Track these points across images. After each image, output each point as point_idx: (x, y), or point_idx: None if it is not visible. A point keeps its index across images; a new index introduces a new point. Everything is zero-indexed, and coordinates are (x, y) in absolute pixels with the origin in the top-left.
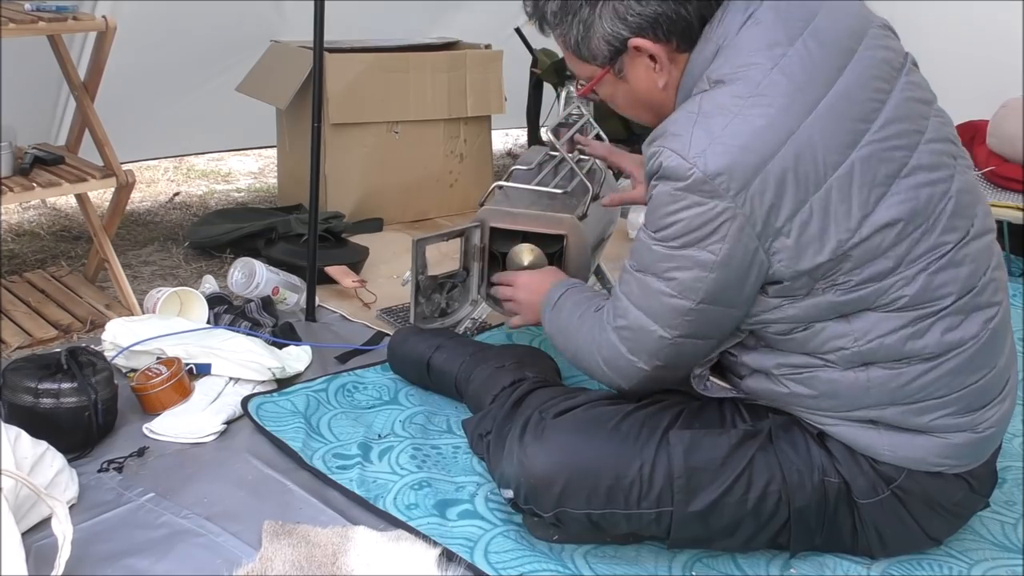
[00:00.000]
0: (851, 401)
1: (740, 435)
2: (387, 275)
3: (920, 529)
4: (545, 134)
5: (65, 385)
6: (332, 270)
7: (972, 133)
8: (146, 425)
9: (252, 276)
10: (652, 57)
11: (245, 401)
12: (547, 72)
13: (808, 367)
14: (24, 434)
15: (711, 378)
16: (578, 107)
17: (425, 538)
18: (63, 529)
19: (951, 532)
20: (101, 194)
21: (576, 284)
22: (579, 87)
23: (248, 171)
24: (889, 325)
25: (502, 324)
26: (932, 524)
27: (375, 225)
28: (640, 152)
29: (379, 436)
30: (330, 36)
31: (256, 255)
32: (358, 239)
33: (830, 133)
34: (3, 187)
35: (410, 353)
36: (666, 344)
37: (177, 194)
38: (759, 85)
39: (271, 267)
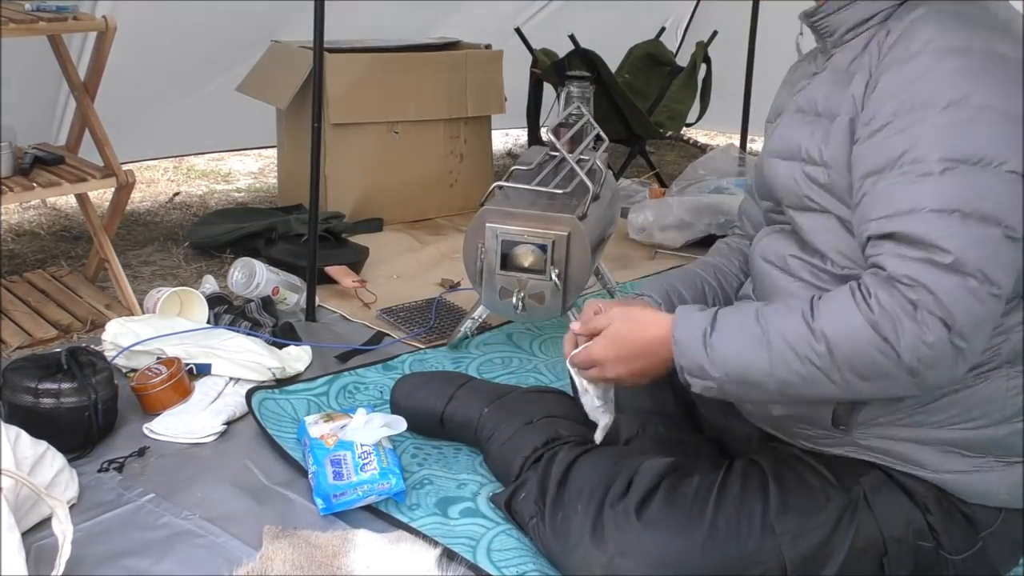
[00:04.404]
0: (987, 414)
1: (839, 507)
2: (387, 275)
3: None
4: (545, 134)
5: (65, 385)
6: (332, 270)
7: None
8: (146, 425)
9: (252, 276)
10: None
11: (249, 394)
12: (547, 72)
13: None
14: (24, 434)
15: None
16: (578, 107)
17: (425, 538)
18: (63, 529)
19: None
20: (101, 194)
21: (708, 307)
22: None
23: (248, 171)
24: None
25: (504, 324)
26: (1007, 565)
27: (375, 225)
28: (638, 150)
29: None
30: (330, 36)
31: (256, 255)
32: (358, 239)
33: None
34: (3, 187)
35: (419, 408)
36: (1011, 248)
37: (177, 194)
38: None
39: (271, 267)
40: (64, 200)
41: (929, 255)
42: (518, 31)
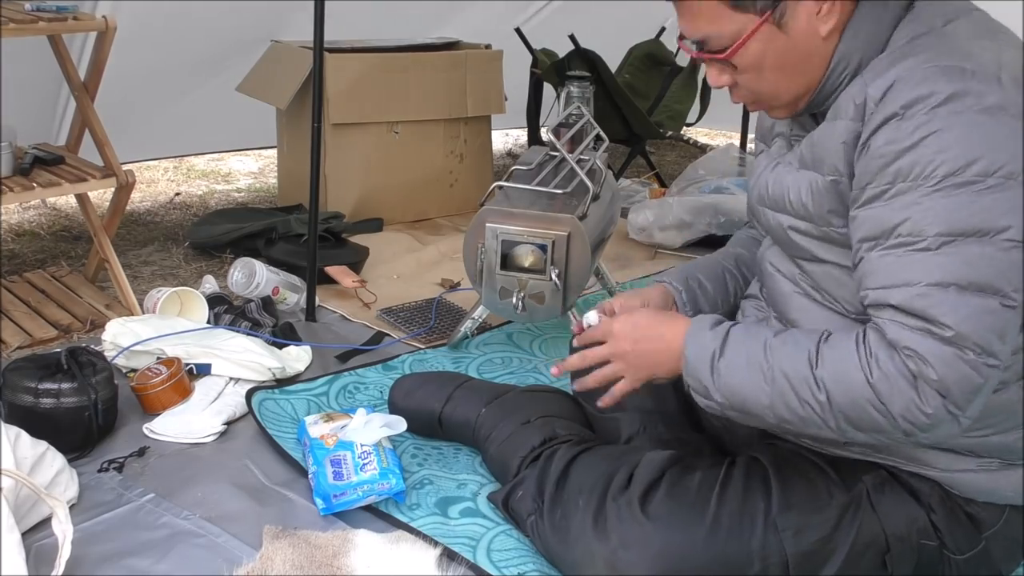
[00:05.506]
0: (998, 423)
1: (841, 505)
2: (387, 275)
3: (1000, 573)
4: (545, 134)
5: (65, 385)
6: (332, 270)
7: None
8: (146, 425)
9: (252, 276)
10: None
11: (249, 394)
12: (547, 72)
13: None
14: (24, 434)
15: None
16: (578, 107)
17: (425, 538)
18: (63, 529)
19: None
20: (101, 194)
21: (725, 320)
22: (708, 55)
23: (248, 171)
24: None
25: (504, 324)
26: (1009, 565)
27: (375, 225)
28: (638, 150)
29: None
30: (330, 36)
31: (256, 255)
32: (358, 239)
33: None
34: (3, 187)
35: (417, 409)
36: (1009, 316)
37: (178, 194)
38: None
39: (271, 267)
40: (64, 200)
41: (928, 327)
42: (518, 31)
